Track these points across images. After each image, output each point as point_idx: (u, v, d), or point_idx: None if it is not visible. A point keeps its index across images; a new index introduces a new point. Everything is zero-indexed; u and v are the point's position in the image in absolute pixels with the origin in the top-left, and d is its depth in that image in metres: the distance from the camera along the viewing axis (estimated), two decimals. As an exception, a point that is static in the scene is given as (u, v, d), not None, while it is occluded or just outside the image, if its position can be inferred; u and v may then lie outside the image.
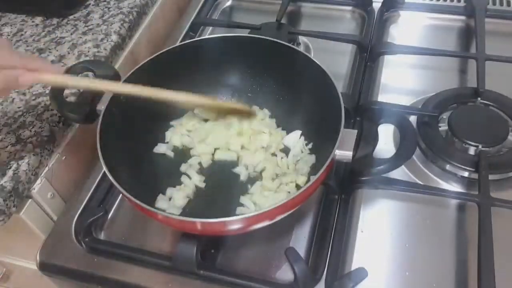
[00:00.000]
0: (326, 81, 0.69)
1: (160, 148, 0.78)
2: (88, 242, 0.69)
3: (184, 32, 1.01)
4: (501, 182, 0.72)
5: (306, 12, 1.07)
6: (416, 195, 0.70)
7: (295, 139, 0.77)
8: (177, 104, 0.73)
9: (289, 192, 0.71)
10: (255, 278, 0.64)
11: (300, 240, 0.68)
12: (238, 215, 0.61)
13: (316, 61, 0.72)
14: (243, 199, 0.71)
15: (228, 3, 1.12)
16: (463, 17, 1.00)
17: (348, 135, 0.63)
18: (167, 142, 0.79)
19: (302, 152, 0.76)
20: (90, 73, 0.78)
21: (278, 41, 0.76)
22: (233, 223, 0.59)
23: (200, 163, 0.76)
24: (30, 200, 0.72)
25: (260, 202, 0.70)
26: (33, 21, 0.93)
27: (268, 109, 0.82)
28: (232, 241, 0.69)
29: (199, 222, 0.60)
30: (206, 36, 1.01)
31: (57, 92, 0.74)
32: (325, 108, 0.69)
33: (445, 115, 0.79)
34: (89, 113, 0.72)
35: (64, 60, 0.84)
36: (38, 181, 0.73)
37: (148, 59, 0.75)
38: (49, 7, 0.93)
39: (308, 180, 0.71)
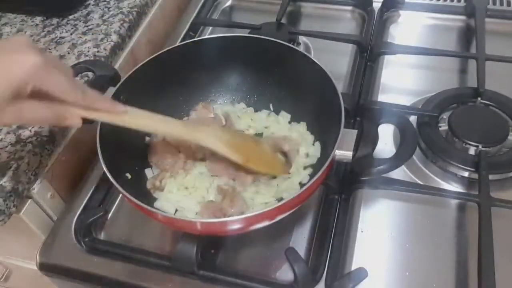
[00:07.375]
0: (326, 81, 0.69)
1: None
2: (88, 242, 0.69)
3: (184, 32, 1.01)
4: (501, 182, 0.71)
5: (306, 12, 1.07)
6: (416, 195, 0.70)
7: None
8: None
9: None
10: (255, 278, 0.64)
11: (300, 240, 0.68)
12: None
13: (316, 61, 0.72)
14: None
15: (228, 3, 1.12)
16: (463, 17, 1.00)
17: (348, 135, 0.63)
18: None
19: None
20: (90, 73, 0.78)
21: (278, 41, 0.76)
22: (233, 223, 0.59)
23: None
24: (30, 200, 0.72)
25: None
26: (33, 21, 0.93)
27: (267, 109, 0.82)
28: (232, 241, 0.69)
29: (199, 222, 0.61)
30: (206, 36, 1.01)
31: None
32: (325, 108, 0.69)
33: (445, 115, 0.79)
34: (89, 113, 0.72)
35: (64, 60, 0.84)
36: (38, 181, 0.72)
37: (148, 59, 0.75)
38: (49, 7, 0.93)
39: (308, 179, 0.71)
